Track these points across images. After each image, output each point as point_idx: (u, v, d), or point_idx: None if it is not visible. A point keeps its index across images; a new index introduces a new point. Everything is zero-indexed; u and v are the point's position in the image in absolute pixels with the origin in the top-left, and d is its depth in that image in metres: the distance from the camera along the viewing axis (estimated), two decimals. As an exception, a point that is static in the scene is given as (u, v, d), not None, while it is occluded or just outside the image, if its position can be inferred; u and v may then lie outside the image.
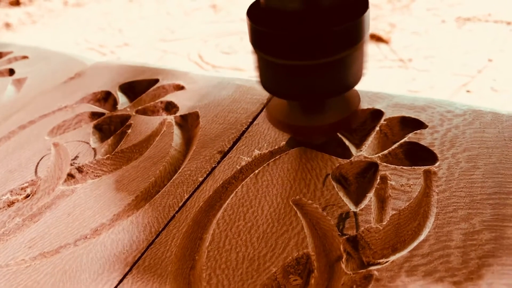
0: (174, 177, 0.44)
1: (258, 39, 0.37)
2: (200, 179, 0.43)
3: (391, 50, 1.42)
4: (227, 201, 0.40)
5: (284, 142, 0.45)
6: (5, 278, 0.37)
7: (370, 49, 1.46)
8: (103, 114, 0.56)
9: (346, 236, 0.35)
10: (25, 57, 0.77)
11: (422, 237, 0.34)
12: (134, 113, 0.55)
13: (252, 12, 0.38)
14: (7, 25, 2.28)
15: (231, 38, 1.75)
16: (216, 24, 1.95)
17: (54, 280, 0.36)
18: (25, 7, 2.53)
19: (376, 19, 1.65)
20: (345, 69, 0.37)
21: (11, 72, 0.72)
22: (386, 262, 0.33)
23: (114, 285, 0.35)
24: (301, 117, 0.42)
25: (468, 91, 1.13)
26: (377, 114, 0.47)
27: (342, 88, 0.38)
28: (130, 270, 0.36)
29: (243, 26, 1.84)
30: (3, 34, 2.20)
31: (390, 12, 1.71)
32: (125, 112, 0.55)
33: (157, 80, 0.61)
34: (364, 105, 0.48)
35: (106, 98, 0.61)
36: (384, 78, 1.28)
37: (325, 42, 0.34)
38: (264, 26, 0.35)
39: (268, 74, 0.39)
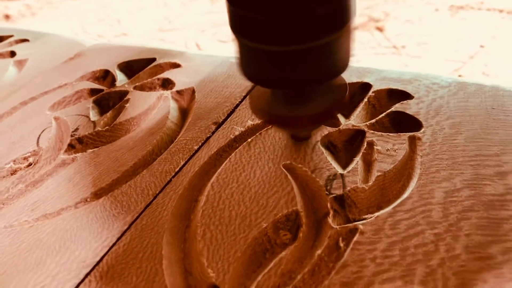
0: (170, 146, 0.46)
1: (238, 23, 0.35)
2: (196, 147, 0.45)
3: (385, 37, 1.44)
4: (221, 167, 0.42)
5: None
6: (9, 237, 0.39)
7: (364, 36, 1.47)
8: (102, 90, 0.58)
9: (333, 195, 0.37)
10: (25, 40, 0.78)
11: (405, 196, 0.36)
12: (132, 89, 0.57)
13: None
14: (7, 17, 2.29)
15: (228, 27, 1.76)
16: (213, 14, 1.96)
17: (56, 238, 0.38)
18: (24, -1, 2.54)
19: (370, 7, 1.66)
20: (329, 56, 0.34)
21: (12, 54, 0.74)
22: (371, 218, 0.35)
23: (114, 241, 0.36)
24: (284, 106, 0.39)
25: (460, 76, 1.15)
26: (365, 87, 0.49)
27: (326, 76, 0.36)
28: (128, 228, 0.37)
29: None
30: (2, 26, 2.21)
31: (384, 1, 1.72)
32: (123, 88, 0.57)
33: (154, 59, 0.62)
34: (354, 79, 0.50)
35: (104, 76, 0.62)
36: (377, 64, 1.29)
37: (307, 25, 0.31)
38: (243, 10, 0.33)
39: (249, 61, 0.37)
